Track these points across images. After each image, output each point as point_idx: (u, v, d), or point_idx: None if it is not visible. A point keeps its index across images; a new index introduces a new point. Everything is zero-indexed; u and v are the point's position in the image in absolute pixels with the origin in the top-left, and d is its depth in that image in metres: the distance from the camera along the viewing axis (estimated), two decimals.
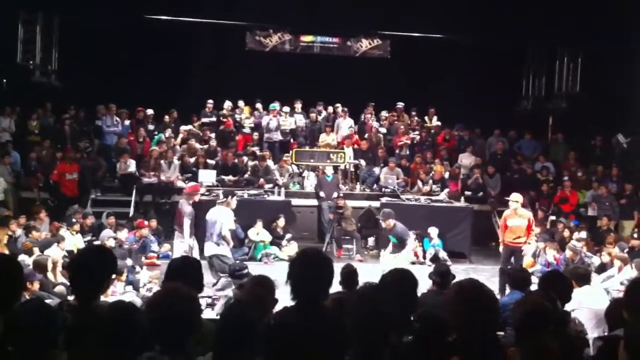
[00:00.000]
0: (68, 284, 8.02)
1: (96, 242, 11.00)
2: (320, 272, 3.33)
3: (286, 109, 17.44)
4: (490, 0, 16.35)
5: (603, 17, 15.63)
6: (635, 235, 12.87)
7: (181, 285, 3.22)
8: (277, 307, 4.12)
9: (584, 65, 17.93)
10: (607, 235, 12.97)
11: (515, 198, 10.69)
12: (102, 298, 3.92)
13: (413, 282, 4.52)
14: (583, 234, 13.05)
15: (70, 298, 3.79)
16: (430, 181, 15.70)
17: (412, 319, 3.83)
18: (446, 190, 15.36)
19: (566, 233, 13.42)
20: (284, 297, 3.53)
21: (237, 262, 10.40)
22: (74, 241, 11.27)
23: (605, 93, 16.32)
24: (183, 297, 3.04)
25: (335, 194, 14.67)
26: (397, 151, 17.21)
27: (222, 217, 10.41)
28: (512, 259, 10.65)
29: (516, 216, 10.59)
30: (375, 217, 14.56)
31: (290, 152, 16.20)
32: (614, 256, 11.19)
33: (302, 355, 3.05)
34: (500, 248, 10.98)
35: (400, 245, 10.67)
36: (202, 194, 12.69)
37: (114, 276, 8.70)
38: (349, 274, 6.21)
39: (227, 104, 17.62)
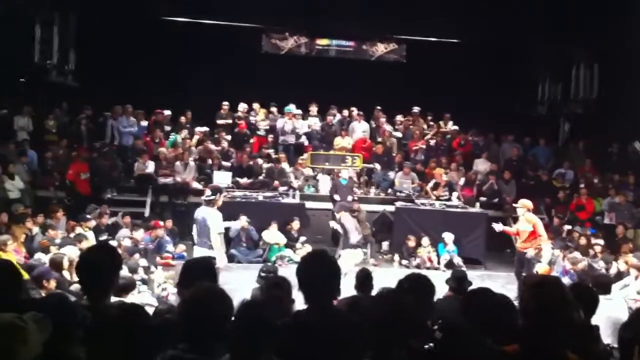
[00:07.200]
0: None
1: (112, 242, 11.03)
2: (324, 272, 3.44)
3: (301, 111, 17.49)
4: (506, 5, 16.27)
5: (621, 23, 15.49)
6: None
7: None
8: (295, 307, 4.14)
9: (601, 71, 17.80)
10: (623, 244, 12.86)
11: (521, 204, 10.81)
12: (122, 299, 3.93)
13: (430, 288, 4.54)
14: (598, 246, 12.90)
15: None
16: (439, 183, 15.42)
17: (429, 325, 3.81)
18: (455, 194, 15.17)
19: (582, 241, 13.29)
20: (300, 298, 3.55)
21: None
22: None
23: (622, 99, 16.17)
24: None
25: (349, 198, 14.65)
26: (412, 156, 17.14)
27: (209, 220, 8.83)
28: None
29: (523, 221, 10.71)
30: (390, 220, 14.55)
31: (306, 155, 16.19)
32: (630, 265, 11.05)
33: (318, 355, 3.07)
34: None
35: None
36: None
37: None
38: (365, 278, 6.22)
39: (243, 106, 17.54)
